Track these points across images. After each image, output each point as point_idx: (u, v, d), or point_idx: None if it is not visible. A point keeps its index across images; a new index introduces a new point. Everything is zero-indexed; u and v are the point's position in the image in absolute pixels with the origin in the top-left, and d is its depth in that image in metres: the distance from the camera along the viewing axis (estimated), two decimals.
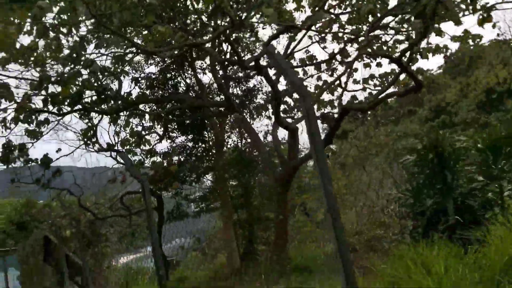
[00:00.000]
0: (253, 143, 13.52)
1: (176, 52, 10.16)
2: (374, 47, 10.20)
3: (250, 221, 14.50)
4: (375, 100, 9.82)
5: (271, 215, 15.23)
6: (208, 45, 10.22)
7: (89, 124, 13.02)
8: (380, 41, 10.23)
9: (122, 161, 15.72)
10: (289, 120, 13.55)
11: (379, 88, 12.44)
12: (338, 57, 12.20)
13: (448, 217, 9.24)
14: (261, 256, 14.76)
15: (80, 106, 10.42)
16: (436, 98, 41.30)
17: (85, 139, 14.14)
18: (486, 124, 38.17)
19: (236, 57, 9.74)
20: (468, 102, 40.11)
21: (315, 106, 13.96)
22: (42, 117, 11.08)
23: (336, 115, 14.64)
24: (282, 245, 12.51)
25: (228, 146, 15.11)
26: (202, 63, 14.57)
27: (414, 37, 8.43)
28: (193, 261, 19.72)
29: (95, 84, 9.29)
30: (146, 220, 21.87)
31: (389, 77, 12.54)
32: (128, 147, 15.43)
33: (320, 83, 14.21)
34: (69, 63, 8.80)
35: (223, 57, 13.24)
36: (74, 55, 7.80)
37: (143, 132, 14.63)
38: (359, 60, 11.42)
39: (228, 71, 14.25)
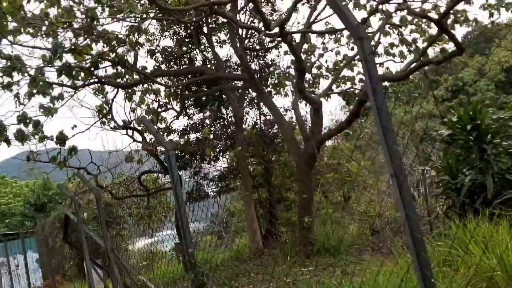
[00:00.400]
0: (274, 119, 12.92)
1: (194, 18, 9.57)
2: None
3: (272, 201, 14.00)
4: (409, 69, 9.13)
5: (291, 195, 14.75)
6: (228, 7, 9.60)
7: (105, 99, 12.60)
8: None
9: (138, 139, 15.35)
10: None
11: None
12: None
13: (486, 194, 8.63)
14: (283, 236, 14.33)
15: (95, 79, 9.93)
16: (453, 77, 40.15)
17: (100, 116, 13.72)
18: (505, 103, 37.07)
19: (260, 17, 9.07)
20: (486, 81, 39.03)
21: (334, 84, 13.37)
22: (56, 92, 10.68)
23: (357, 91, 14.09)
24: (307, 225, 12.00)
25: (248, 123, 14.55)
26: (218, 38, 13.97)
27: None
28: (208, 245, 19.40)
29: (111, 55, 8.77)
30: (159, 203, 21.61)
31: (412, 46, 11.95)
32: (143, 125, 15.02)
33: (340, 58, 13.65)
34: (82, 33, 8.30)
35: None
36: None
37: (159, 109, 14.17)
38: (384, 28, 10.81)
39: (246, 45, 13.63)
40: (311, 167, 11.68)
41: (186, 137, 14.26)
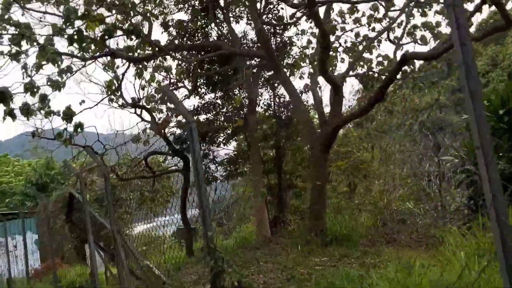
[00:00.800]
0: (291, 100, 12.38)
1: None
2: None
3: (281, 187, 13.53)
4: (440, 47, 8.59)
5: (300, 182, 14.28)
6: None
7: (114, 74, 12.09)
8: None
9: (147, 118, 14.85)
10: None
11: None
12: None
13: None
14: (291, 225, 13.89)
15: (107, 50, 9.42)
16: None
17: (109, 92, 13.22)
18: None
19: None
20: (499, 71, 38.31)
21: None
22: (64, 64, 10.19)
23: (376, 75, 13.55)
24: (319, 213, 11.54)
25: (262, 105, 14.03)
26: (234, 12, 13.37)
27: None
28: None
29: (125, 23, 8.25)
30: (162, 187, 21.15)
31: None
32: (153, 104, 14.52)
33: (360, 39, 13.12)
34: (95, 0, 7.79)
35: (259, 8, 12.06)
36: None
37: (170, 87, 13.67)
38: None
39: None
40: (327, 152, 11.19)
41: (196, 117, 13.75)
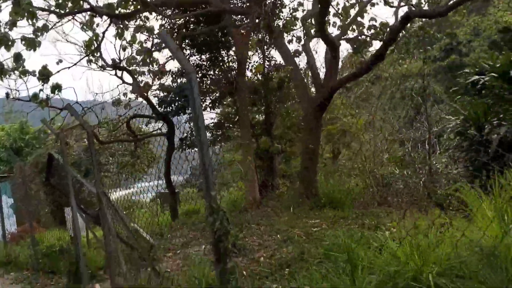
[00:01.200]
0: (285, 62, 11.89)
1: None
2: None
3: (270, 151, 13.22)
4: (450, 4, 8.20)
5: (290, 147, 13.99)
6: None
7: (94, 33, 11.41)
8: None
9: (129, 81, 14.20)
10: None
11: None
12: None
13: None
14: (280, 189, 13.68)
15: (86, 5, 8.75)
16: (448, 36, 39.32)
17: (88, 52, 12.50)
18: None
19: None
20: (480, 41, 38.39)
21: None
22: (40, 23, 9.50)
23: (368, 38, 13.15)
24: (311, 177, 11.31)
25: (251, 67, 13.51)
26: None
27: None
28: (189, 197, 18.66)
29: None
30: (144, 152, 20.59)
31: None
32: (134, 66, 13.87)
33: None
34: None
35: None
36: None
37: (152, 49, 13.02)
38: None
39: None
40: (321, 115, 10.88)
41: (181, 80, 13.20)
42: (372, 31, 12.67)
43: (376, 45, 15.42)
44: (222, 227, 4.85)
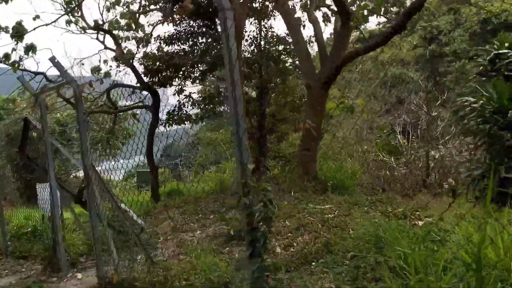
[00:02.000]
0: (290, 32, 10.86)
1: None
2: None
3: (263, 130, 12.24)
4: None
5: (283, 126, 13.05)
6: None
7: None
8: None
9: (111, 46, 12.91)
10: None
11: None
12: None
13: None
14: (272, 170, 12.78)
15: None
16: (429, 25, 39.12)
17: (68, 10, 11.15)
18: (476, 56, 36.64)
19: None
20: (461, 32, 38.29)
21: None
22: None
23: None
24: (312, 159, 10.44)
25: (249, 37, 12.41)
26: None
27: None
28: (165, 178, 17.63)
29: None
30: (120, 128, 19.23)
31: None
32: (118, 31, 12.59)
33: None
34: None
35: None
36: None
37: (140, 10, 11.79)
38: None
39: None
40: (327, 89, 9.97)
41: (171, 47, 11.99)
42: None
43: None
44: (267, 209, 3.91)
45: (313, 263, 5.19)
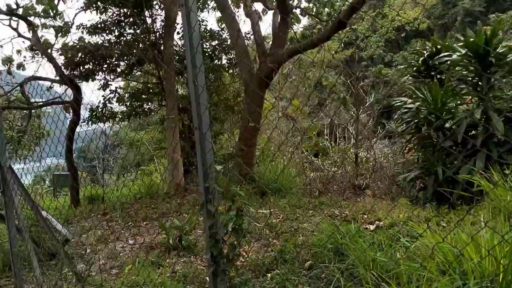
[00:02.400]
0: (227, 25, 10.31)
1: None
2: None
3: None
4: None
5: (215, 126, 12.53)
6: None
7: None
8: None
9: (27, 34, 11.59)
10: None
11: None
12: None
13: (493, 135, 7.41)
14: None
15: None
16: (348, 30, 40.47)
17: None
18: (391, 62, 38.67)
19: None
20: (377, 38, 40.05)
21: None
22: None
23: None
24: (250, 160, 10.02)
25: (181, 29, 11.66)
26: None
27: None
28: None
29: None
30: (33, 127, 17.55)
31: None
32: (33, 18, 11.31)
33: None
34: None
35: None
36: None
37: None
38: None
39: None
40: (265, 88, 9.59)
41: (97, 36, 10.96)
42: None
43: None
44: (234, 221, 3.36)
45: (269, 275, 4.73)
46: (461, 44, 8.33)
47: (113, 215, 9.17)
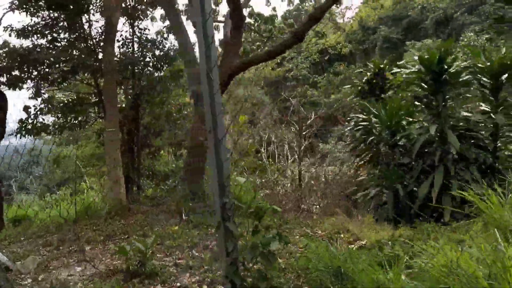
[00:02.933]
0: (175, 31, 9.74)
1: None
2: None
3: (137, 144, 10.87)
4: None
5: (156, 141, 11.84)
6: None
7: None
8: None
9: None
10: None
11: None
12: None
13: (448, 151, 7.61)
14: (143, 189, 11.39)
15: None
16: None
17: None
18: (315, 83, 40.03)
19: None
20: (301, 59, 41.22)
21: None
22: None
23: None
24: (198, 176, 9.48)
25: (121, 37, 10.96)
26: None
27: None
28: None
29: None
30: None
31: None
32: None
33: None
34: None
35: None
36: None
37: None
38: None
39: None
40: None
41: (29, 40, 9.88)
42: None
43: None
44: (264, 242, 2.89)
45: None
46: (412, 63, 8.56)
47: (48, 238, 8.11)
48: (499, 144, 7.49)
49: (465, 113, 7.90)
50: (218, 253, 3.00)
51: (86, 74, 10.57)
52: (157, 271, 5.42)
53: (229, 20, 9.27)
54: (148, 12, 11.29)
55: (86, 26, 10.68)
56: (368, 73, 11.06)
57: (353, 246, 5.52)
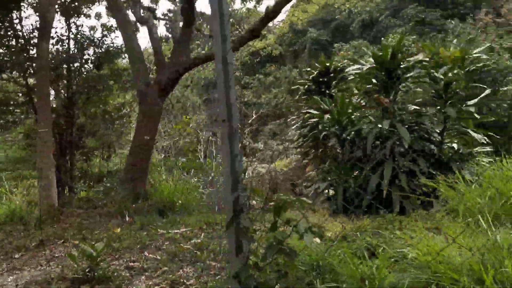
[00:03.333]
0: (120, 28, 9.14)
1: None
2: None
3: (70, 145, 10.17)
4: None
5: (90, 142, 11.20)
6: None
7: None
8: None
9: None
10: None
11: None
12: None
13: (399, 144, 7.76)
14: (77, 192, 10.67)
15: None
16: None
17: None
18: (248, 84, 40.30)
19: None
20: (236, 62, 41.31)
21: None
22: None
23: None
24: (142, 176, 9.03)
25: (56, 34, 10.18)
26: None
27: None
28: None
29: None
30: None
31: None
32: None
33: None
34: None
35: None
36: None
37: None
38: None
39: None
40: (163, 99, 8.79)
41: None
42: None
43: None
44: (279, 237, 2.63)
45: None
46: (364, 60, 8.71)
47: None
48: (445, 137, 7.78)
49: (415, 107, 8.15)
50: (227, 251, 2.75)
51: (14, 73, 9.72)
52: (109, 276, 5.02)
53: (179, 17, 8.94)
54: (87, 9, 10.60)
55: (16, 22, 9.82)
56: (314, 72, 11.20)
57: (317, 239, 5.43)
